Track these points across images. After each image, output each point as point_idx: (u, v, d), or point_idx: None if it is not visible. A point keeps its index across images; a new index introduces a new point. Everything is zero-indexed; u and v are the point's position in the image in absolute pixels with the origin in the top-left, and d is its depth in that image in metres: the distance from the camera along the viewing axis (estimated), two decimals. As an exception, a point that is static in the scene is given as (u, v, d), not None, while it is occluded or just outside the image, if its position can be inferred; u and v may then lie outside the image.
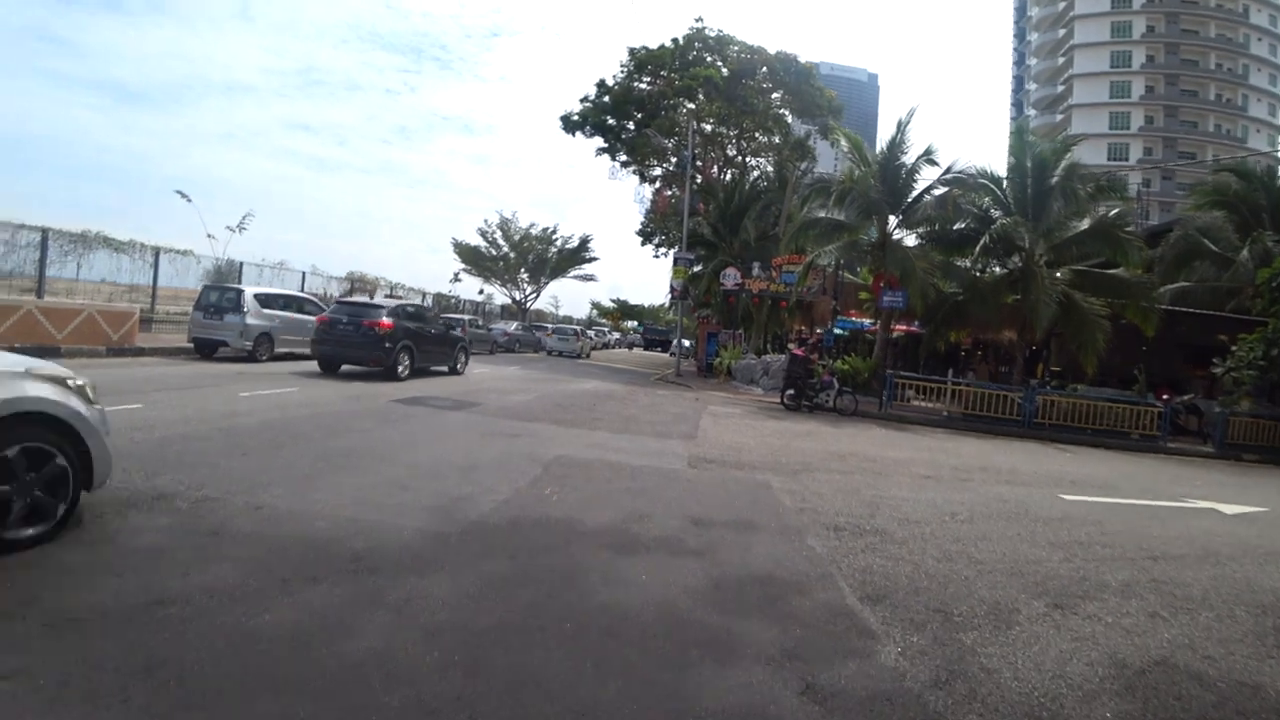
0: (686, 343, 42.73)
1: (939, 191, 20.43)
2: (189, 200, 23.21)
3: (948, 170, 20.37)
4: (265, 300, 16.84)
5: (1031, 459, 12.92)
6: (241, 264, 24.58)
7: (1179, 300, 21.72)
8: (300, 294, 20.68)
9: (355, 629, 3.33)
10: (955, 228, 20.98)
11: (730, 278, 26.50)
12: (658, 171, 40.13)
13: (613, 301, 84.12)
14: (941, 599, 4.55)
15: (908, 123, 20.75)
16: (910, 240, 21.77)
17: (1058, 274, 18.97)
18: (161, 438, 6.96)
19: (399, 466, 6.89)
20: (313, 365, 15.52)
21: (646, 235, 45.26)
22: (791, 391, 17.24)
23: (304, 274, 27.59)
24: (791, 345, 25.25)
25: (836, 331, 25.51)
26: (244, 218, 23.80)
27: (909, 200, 21.00)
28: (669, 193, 41.71)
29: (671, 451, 9.49)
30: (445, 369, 17.87)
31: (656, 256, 46.56)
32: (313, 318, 16.47)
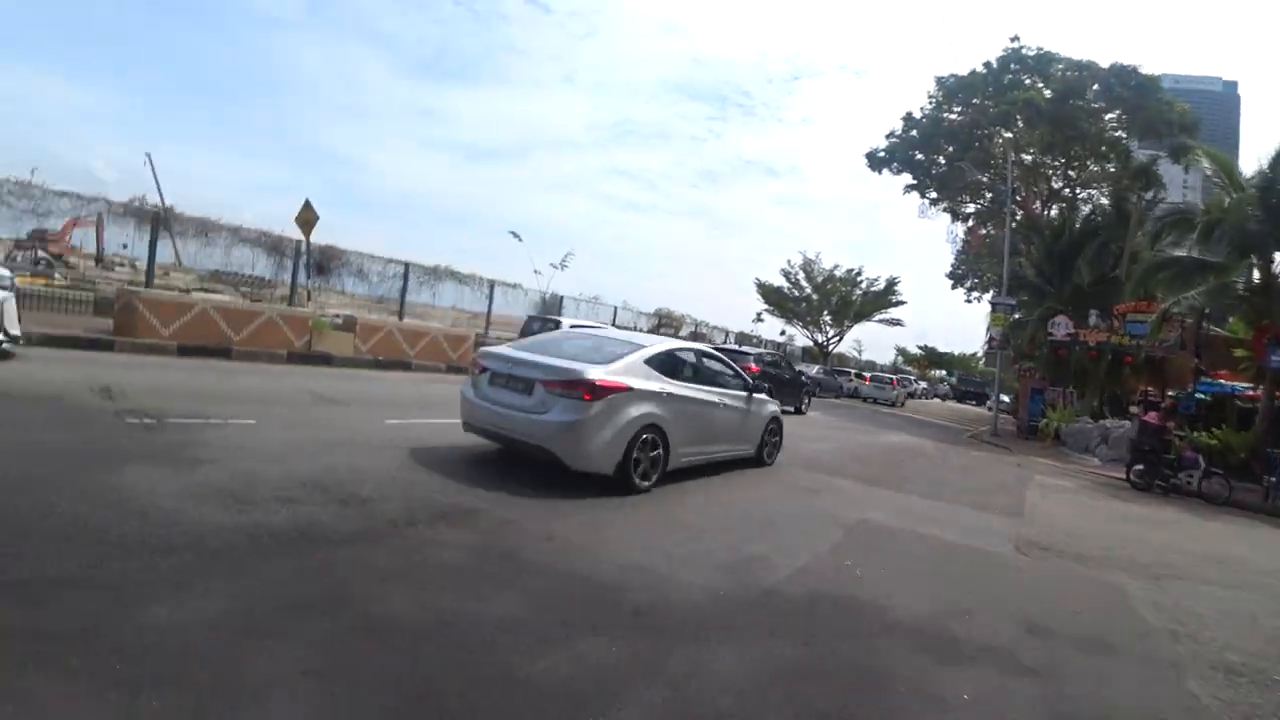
0: (1005, 398, 38.79)
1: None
2: (520, 240, 26.05)
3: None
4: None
5: None
6: (562, 297, 27.09)
7: None
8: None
9: (627, 700, 3.04)
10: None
11: (1060, 326, 23.40)
12: (971, 208, 37.23)
13: (919, 348, 79.44)
14: None
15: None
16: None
17: None
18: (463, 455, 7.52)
19: (693, 513, 6.67)
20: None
21: (957, 278, 42.12)
22: (1141, 467, 14.40)
23: (615, 309, 29.57)
24: (1134, 409, 21.46)
25: (1198, 396, 21.15)
26: (565, 256, 26.12)
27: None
28: (983, 231, 38.50)
29: (993, 529, 8.25)
30: (792, 409, 18.25)
31: (969, 301, 42.92)
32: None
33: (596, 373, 6.42)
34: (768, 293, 47.30)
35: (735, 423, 8.59)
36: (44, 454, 5.25)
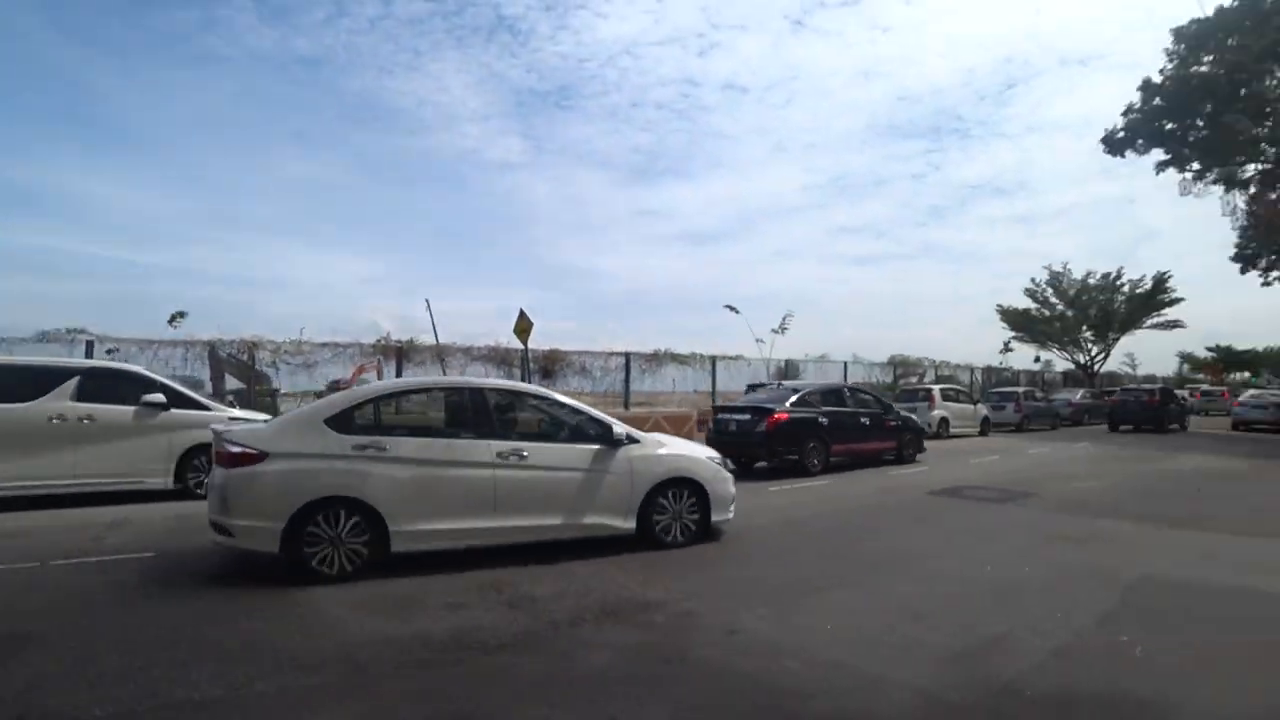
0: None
1: None
2: (737, 312, 25.57)
3: None
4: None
5: None
6: (787, 361, 26.16)
7: None
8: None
9: None
10: None
11: None
12: (1251, 170, 30.81)
13: (1209, 350, 67.21)
14: None
15: None
16: None
17: None
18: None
19: (912, 582, 5.50)
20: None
21: (1247, 258, 34.76)
22: None
23: (845, 364, 27.74)
24: None
25: None
26: (784, 318, 25.11)
27: None
28: (1274, 195, 31.64)
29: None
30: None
31: (1267, 283, 34.98)
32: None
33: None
34: (1013, 318, 42.93)
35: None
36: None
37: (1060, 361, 44.07)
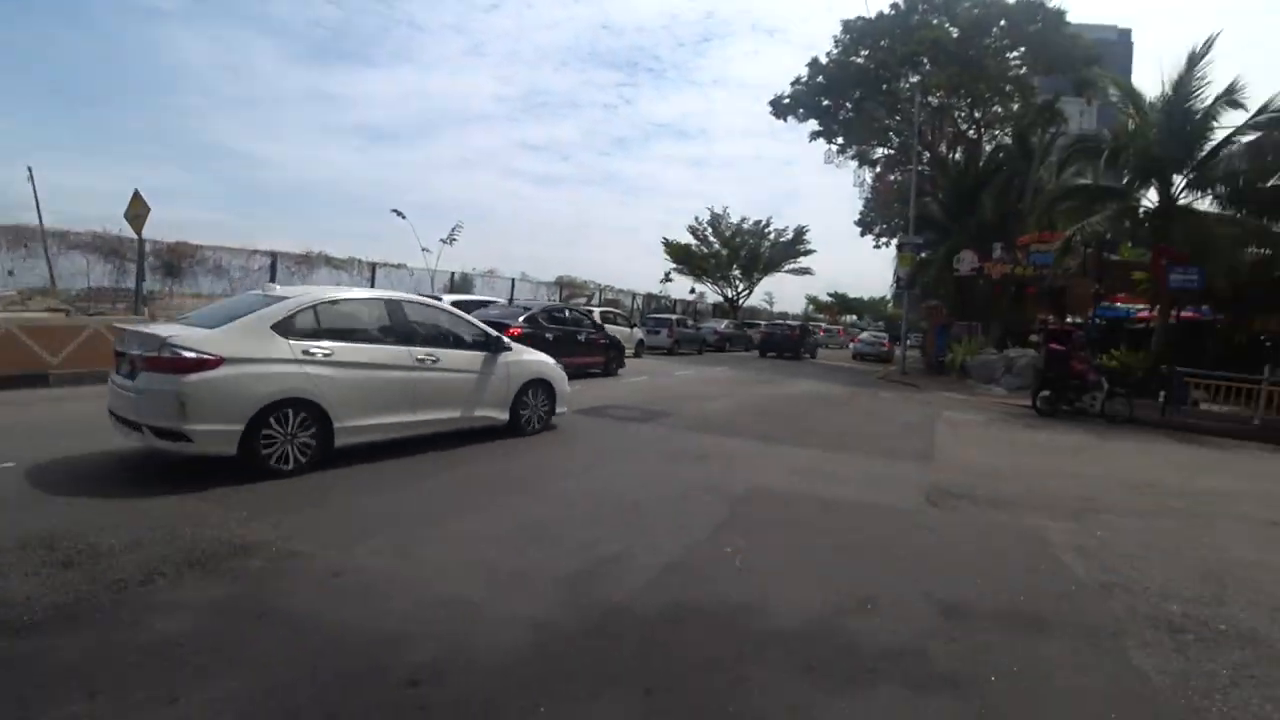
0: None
1: (1248, 138, 16.14)
2: (403, 217, 24.52)
3: (1261, 110, 15.91)
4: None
5: None
6: (463, 275, 25.63)
7: None
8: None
9: None
10: (1272, 185, 16.26)
11: (965, 261, 23.15)
12: (879, 154, 36.86)
13: (830, 296, 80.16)
14: None
15: (1203, 55, 16.40)
16: (1203, 205, 17.44)
17: None
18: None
19: (544, 503, 5.62)
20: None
21: (866, 225, 42.05)
22: (1047, 393, 14.25)
23: (514, 280, 28.00)
24: (1034, 338, 21.59)
25: (1096, 321, 21.30)
26: (454, 229, 24.50)
27: (1203, 154, 16.77)
28: (892, 177, 38.29)
29: (903, 478, 7.50)
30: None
31: (877, 247, 42.68)
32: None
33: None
34: (676, 251, 46.44)
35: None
36: None
37: (712, 294, 48.90)
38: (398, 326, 6.89)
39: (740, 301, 48.92)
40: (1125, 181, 18.03)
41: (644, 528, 5.12)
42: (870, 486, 7.02)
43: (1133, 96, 17.90)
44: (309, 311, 6.19)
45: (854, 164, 38.42)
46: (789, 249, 47.03)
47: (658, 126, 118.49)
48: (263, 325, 5.85)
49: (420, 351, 6.93)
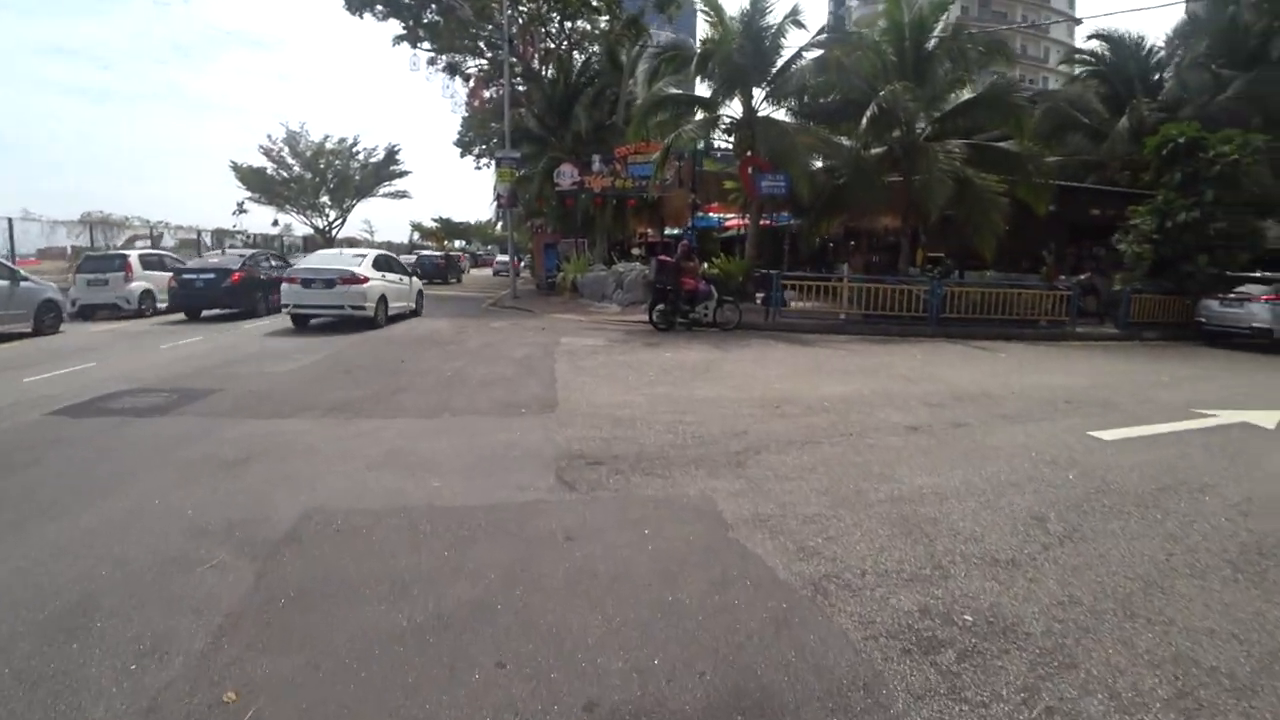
0: (500, 258, 39.26)
1: (814, 55, 17.05)
2: None
3: (820, 31, 16.92)
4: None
5: (974, 368, 10.37)
6: None
7: (1051, 175, 19.94)
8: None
9: None
10: (832, 99, 17.44)
11: (566, 175, 22.15)
12: (472, 68, 34.23)
13: (435, 221, 76.59)
14: None
15: (772, -27, 16.79)
16: (781, 116, 18.29)
17: (949, 148, 16.09)
18: None
19: None
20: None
21: (466, 145, 39.46)
22: (662, 307, 13.75)
23: (10, 220, 20.14)
24: (635, 250, 21.72)
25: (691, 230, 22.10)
26: None
27: (777, 67, 17.40)
28: (487, 93, 36.04)
29: (524, 447, 5.52)
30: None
31: (479, 168, 40.54)
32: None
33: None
34: (248, 177, 39.56)
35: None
36: None
37: (300, 225, 43.21)
38: (392, 264, 16.02)
39: (334, 232, 43.67)
40: (712, 92, 18.15)
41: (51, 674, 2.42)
42: (482, 472, 4.92)
43: (716, 9, 17.83)
44: (382, 258, 15.52)
45: (445, 75, 35.39)
46: (381, 170, 42.84)
47: (227, 34, 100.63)
48: (369, 263, 14.38)
49: (393, 275, 15.51)
